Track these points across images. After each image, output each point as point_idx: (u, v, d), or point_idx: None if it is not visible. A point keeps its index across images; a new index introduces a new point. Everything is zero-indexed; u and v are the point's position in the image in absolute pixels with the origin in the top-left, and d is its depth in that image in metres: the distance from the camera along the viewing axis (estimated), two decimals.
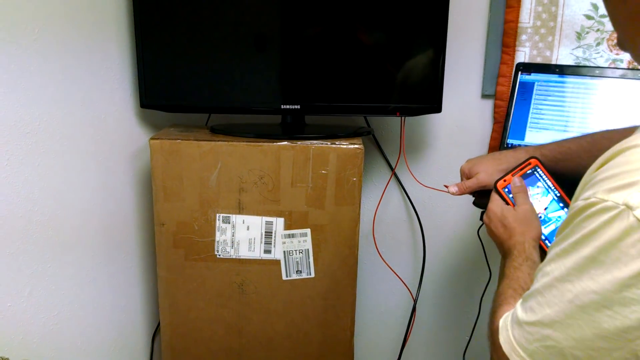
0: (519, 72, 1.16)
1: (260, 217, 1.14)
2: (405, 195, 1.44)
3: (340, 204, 1.14)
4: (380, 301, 1.54)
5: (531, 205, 0.84)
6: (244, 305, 1.20)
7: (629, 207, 0.45)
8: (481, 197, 0.95)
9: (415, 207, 1.44)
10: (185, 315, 1.21)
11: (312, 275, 1.17)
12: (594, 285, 0.48)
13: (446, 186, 0.97)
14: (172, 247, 1.17)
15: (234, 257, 1.16)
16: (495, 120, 1.33)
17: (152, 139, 1.12)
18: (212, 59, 1.18)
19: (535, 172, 0.87)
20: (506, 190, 0.86)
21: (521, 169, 0.88)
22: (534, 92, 1.15)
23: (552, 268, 0.53)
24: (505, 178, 0.87)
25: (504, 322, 0.59)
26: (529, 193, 0.85)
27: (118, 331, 1.26)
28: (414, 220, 1.46)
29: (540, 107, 1.15)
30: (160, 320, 1.22)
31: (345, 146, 1.11)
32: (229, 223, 1.15)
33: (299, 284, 1.18)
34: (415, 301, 1.48)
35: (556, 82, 1.13)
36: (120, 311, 1.27)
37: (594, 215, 0.48)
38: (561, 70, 1.13)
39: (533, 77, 1.15)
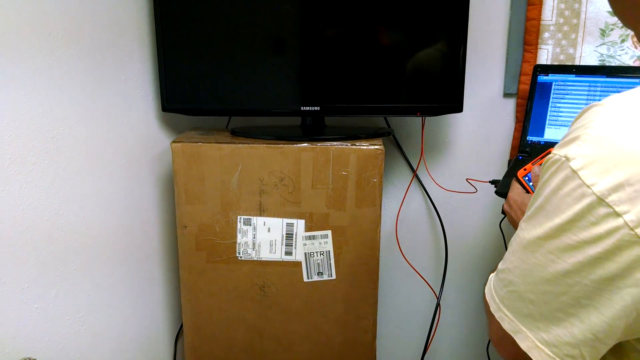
0: (537, 74, 1.15)
1: (281, 219, 1.15)
2: (426, 195, 1.43)
3: (361, 206, 1.13)
4: (403, 302, 1.53)
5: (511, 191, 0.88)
6: (265, 307, 1.20)
7: (567, 159, 0.49)
8: (503, 186, 0.96)
9: (437, 207, 1.43)
10: (207, 316, 1.21)
11: (334, 277, 1.17)
12: (540, 231, 0.51)
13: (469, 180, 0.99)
14: (194, 249, 1.17)
15: (255, 259, 1.17)
16: (518, 120, 1.32)
17: (173, 142, 1.13)
18: (231, 62, 1.18)
19: None
20: (526, 178, 0.88)
21: (542, 158, 0.89)
22: (552, 91, 1.15)
23: (521, 221, 0.57)
24: (525, 167, 0.89)
25: (491, 274, 0.63)
26: None
27: (141, 332, 1.27)
28: (435, 221, 1.45)
29: (558, 105, 1.15)
30: (183, 322, 1.23)
31: (365, 147, 1.11)
32: (250, 225, 1.15)
33: (320, 285, 1.18)
34: (438, 300, 1.46)
35: (573, 81, 1.13)
36: (144, 313, 1.28)
37: (546, 169, 0.52)
38: (578, 70, 1.13)
39: (551, 77, 1.15)
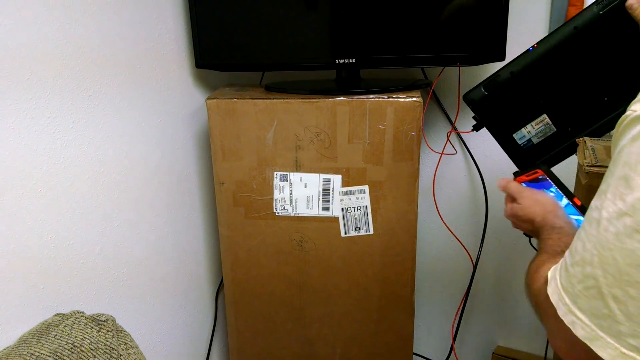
0: None
1: (318, 174, 1.14)
2: (466, 149, 1.40)
3: (398, 160, 1.11)
4: (440, 262, 1.52)
5: (530, 190, 0.82)
6: (304, 262, 1.21)
7: None
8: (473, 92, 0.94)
9: (477, 162, 1.39)
10: (247, 271, 1.23)
11: (371, 232, 1.17)
12: (623, 205, 0.43)
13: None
14: (232, 205, 1.18)
15: (292, 214, 1.17)
16: None
17: (208, 99, 1.13)
18: (264, 15, 1.16)
19: (546, 180, 0.85)
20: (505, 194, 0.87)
21: (527, 176, 0.86)
22: None
23: (594, 201, 0.49)
24: (519, 179, 0.88)
25: (553, 272, 0.54)
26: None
27: (183, 287, 1.31)
28: (475, 177, 1.41)
29: None
30: (224, 277, 1.26)
31: (402, 99, 1.08)
32: (287, 181, 1.15)
33: (357, 240, 1.18)
34: (475, 266, 1.44)
35: None
36: (185, 268, 1.31)
37: (625, 131, 0.45)
38: None
39: None
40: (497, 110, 0.92)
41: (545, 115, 0.89)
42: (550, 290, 0.53)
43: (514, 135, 0.92)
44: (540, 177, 0.85)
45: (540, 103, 0.88)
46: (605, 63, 0.83)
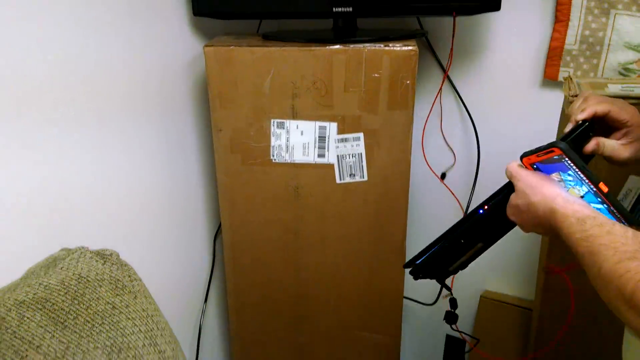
0: None
1: (314, 122, 1.16)
2: (459, 98, 1.42)
3: (393, 108, 1.14)
4: (430, 209, 1.56)
5: (525, 172, 0.75)
6: (300, 208, 1.25)
7: None
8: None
9: (470, 111, 1.41)
10: (244, 217, 1.27)
11: (365, 178, 1.20)
12: None
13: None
14: (230, 152, 1.21)
15: (288, 161, 1.20)
16: (557, 19, 1.26)
17: (206, 46, 1.14)
18: None
19: (563, 161, 0.70)
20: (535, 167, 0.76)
21: (539, 156, 0.73)
22: None
23: None
24: (530, 157, 0.75)
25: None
26: (561, 179, 0.73)
27: (182, 230, 1.35)
28: (468, 125, 1.44)
29: None
30: (221, 222, 1.30)
31: (398, 48, 1.09)
32: (283, 128, 1.17)
33: (352, 187, 1.21)
34: (465, 213, 1.49)
35: None
36: (184, 213, 1.35)
37: None
38: None
39: None
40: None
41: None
42: None
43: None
44: (556, 157, 0.70)
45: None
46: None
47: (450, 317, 1.01)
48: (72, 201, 0.97)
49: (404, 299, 1.36)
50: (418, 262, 0.92)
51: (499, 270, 1.57)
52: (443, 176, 1.51)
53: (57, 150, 0.91)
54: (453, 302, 1.02)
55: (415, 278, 0.93)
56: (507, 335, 1.54)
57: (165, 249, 1.29)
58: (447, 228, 0.91)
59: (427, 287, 1.65)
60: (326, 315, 1.35)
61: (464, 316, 1.65)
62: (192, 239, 1.40)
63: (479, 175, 1.45)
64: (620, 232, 0.60)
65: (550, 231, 0.70)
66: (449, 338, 1.73)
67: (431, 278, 0.94)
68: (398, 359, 1.40)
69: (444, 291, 1.13)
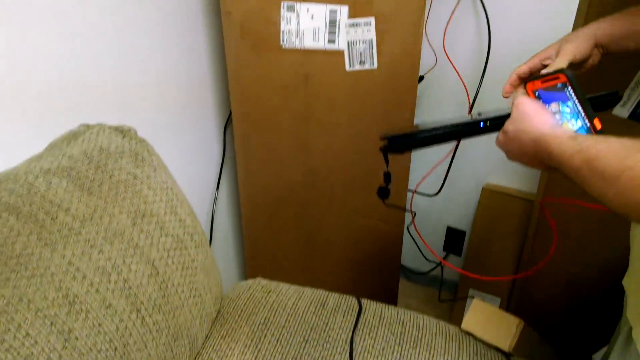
0: None
1: (325, 4, 1.14)
2: None
3: None
4: (438, 97, 1.56)
5: (524, 99, 0.72)
6: (309, 96, 1.25)
7: None
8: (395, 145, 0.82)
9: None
10: (254, 104, 1.28)
11: (375, 66, 1.20)
12: None
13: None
14: (240, 37, 1.20)
15: (298, 47, 1.19)
16: None
17: None
18: None
19: (565, 90, 0.69)
20: (537, 94, 0.75)
21: (544, 82, 0.72)
22: None
23: None
24: (534, 82, 0.74)
25: None
26: (559, 110, 0.71)
27: (194, 119, 1.36)
28: (479, 10, 1.41)
29: None
30: (232, 110, 1.31)
31: None
32: (294, 12, 1.15)
33: (362, 75, 1.21)
34: (473, 102, 1.49)
35: None
36: (196, 102, 1.35)
37: None
38: None
39: None
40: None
41: None
42: None
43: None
44: (559, 84, 0.70)
45: None
46: None
47: (382, 192, 0.99)
48: (90, 82, 0.98)
49: (409, 192, 1.40)
50: (397, 140, 0.85)
51: (499, 163, 1.60)
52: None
53: (73, 31, 0.91)
54: (387, 177, 1.00)
55: (385, 153, 0.87)
56: (507, 225, 1.59)
57: (178, 135, 1.31)
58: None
59: (430, 179, 1.69)
60: (333, 202, 1.39)
61: (465, 207, 1.71)
62: (203, 127, 1.42)
63: (488, 61, 1.44)
64: (617, 140, 0.55)
65: (534, 160, 0.68)
66: (449, 229, 1.80)
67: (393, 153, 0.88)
68: (400, 247, 1.46)
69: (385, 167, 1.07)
